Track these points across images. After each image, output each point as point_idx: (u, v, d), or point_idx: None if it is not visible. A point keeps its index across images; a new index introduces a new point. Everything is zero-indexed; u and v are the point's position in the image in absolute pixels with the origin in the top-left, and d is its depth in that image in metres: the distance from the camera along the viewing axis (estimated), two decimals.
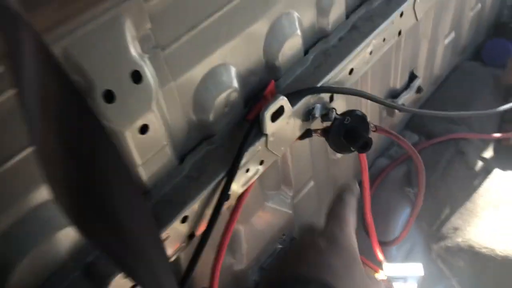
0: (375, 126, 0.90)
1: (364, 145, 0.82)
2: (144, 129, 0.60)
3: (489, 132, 1.44)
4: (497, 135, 1.41)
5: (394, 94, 1.23)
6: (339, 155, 1.13)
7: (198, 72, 0.66)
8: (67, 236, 0.59)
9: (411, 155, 0.98)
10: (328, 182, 1.15)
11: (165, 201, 0.66)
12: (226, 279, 0.95)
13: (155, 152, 0.64)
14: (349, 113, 0.83)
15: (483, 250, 1.21)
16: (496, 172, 1.36)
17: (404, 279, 0.96)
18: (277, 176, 0.95)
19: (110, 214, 0.39)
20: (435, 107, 1.45)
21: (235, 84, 0.72)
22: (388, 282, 0.98)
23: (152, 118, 0.60)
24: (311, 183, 1.07)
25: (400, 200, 1.27)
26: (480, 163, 1.38)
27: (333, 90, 0.81)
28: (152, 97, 0.59)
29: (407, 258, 1.26)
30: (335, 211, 0.75)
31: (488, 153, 1.44)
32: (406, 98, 1.23)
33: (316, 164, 1.05)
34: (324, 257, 0.62)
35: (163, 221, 0.64)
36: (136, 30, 0.55)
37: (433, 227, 1.27)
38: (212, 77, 0.68)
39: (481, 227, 1.25)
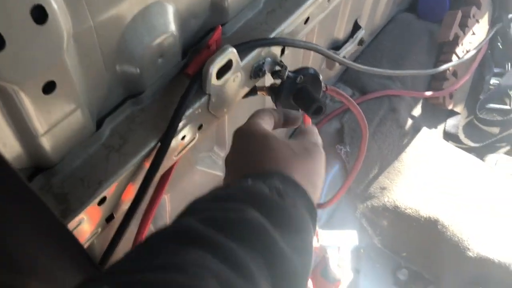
0: (326, 86, 0.79)
1: (318, 110, 0.71)
2: (48, 87, 0.43)
3: (421, 88, 1.42)
4: (429, 93, 1.38)
5: (337, 46, 1.12)
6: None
7: (126, 10, 0.49)
8: None
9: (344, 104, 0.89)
10: None
11: (76, 178, 0.51)
12: None
13: (63, 117, 0.47)
14: (302, 71, 0.71)
15: (408, 211, 1.20)
16: (424, 131, 1.35)
17: (338, 247, 0.90)
18: (211, 136, 0.82)
19: None
20: (371, 59, 1.38)
21: (172, 28, 0.56)
22: (321, 249, 0.93)
23: (60, 72, 0.43)
24: None
25: (330, 158, 1.21)
26: (410, 121, 1.35)
27: (288, 43, 0.68)
28: (61, 43, 0.41)
29: (332, 217, 1.22)
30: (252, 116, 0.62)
31: (417, 111, 1.42)
32: (348, 51, 1.13)
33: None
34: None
35: (73, 205, 0.49)
36: None
37: (361, 186, 1.24)
38: (144, 18, 0.52)
39: (407, 187, 1.24)
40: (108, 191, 0.52)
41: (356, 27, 1.17)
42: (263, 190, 0.43)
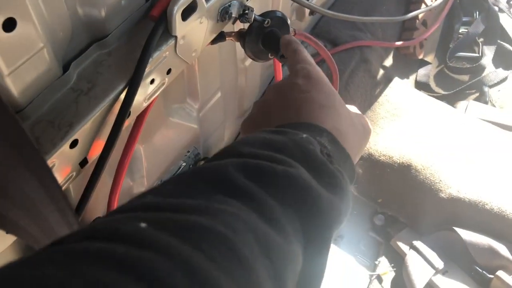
0: (294, 30, 0.80)
1: None
2: (8, 24, 0.42)
3: (391, 39, 1.43)
4: (399, 43, 1.40)
5: None
6: (247, 63, 1.02)
7: None
8: None
9: (319, 56, 0.90)
10: (235, 92, 1.05)
11: (46, 121, 0.51)
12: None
13: (28, 57, 0.47)
14: (269, 14, 0.72)
15: (381, 158, 1.23)
16: (396, 81, 1.37)
17: None
18: (182, 87, 0.82)
19: None
20: (342, 11, 1.38)
21: None
22: None
23: (20, 9, 0.43)
24: (218, 94, 0.96)
25: None
26: (381, 71, 1.37)
27: None
28: None
29: None
30: (291, 49, 0.62)
31: (389, 61, 1.43)
32: (317, 0, 1.13)
33: (224, 73, 0.94)
34: (308, 96, 0.51)
35: (46, 148, 0.50)
36: None
37: None
38: None
39: (380, 136, 1.26)
40: (80, 134, 0.52)
41: None
42: (316, 148, 0.40)
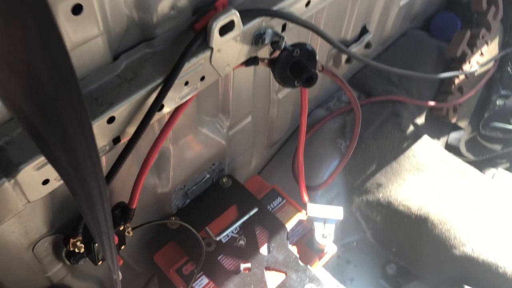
0: (322, 66, 0.89)
1: (309, 79, 0.80)
2: (77, 8, 0.54)
3: (425, 99, 1.49)
4: (431, 103, 1.46)
5: (344, 45, 1.21)
6: (280, 95, 1.11)
7: None
8: None
9: (350, 104, 0.98)
10: (265, 122, 1.14)
11: (91, 97, 0.61)
12: (148, 200, 0.92)
13: (87, 40, 0.58)
14: (300, 45, 0.81)
15: (400, 208, 1.26)
16: (425, 139, 1.41)
17: (324, 220, 0.97)
18: (216, 101, 0.91)
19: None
20: (379, 70, 1.47)
21: None
22: (309, 220, 1.00)
23: (88, 0, 0.54)
24: (249, 118, 1.05)
25: (331, 150, 1.29)
26: (411, 128, 1.42)
27: (288, 18, 0.78)
28: None
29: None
30: None
31: (420, 120, 1.48)
32: (354, 51, 1.23)
33: (256, 100, 1.03)
34: None
35: None
36: None
37: (358, 180, 1.31)
38: None
39: (402, 187, 1.30)
40: (117, 113, 0.62)
41: (363, 31, 1.27)
42: None
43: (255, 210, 1.00)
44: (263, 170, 1.32)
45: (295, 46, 0.80)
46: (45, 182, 0.59)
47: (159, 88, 0.65)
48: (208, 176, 1.03)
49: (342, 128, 1.32)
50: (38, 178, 0.58)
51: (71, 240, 0.73)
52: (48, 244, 0.76)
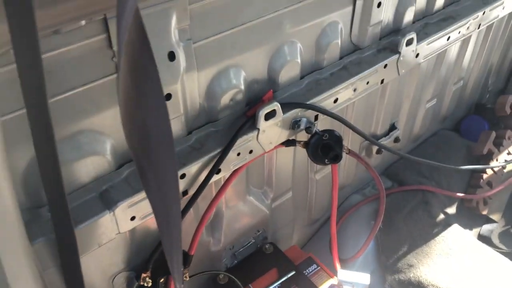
0: (349, 150, 1.10)
1: (335, 157, 1.01)
2: (168, 96, 0.80)
3: (455, 192, 1.63)
4: (460, 194, 1.59)
5: (374, 138, 1.42)
6: (317, 177, 1.31)
7: (216, 68, 0.87)
8: (93, 163, 0.78)
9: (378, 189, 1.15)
10: (304, 199, 1.33)
11: None
12: (202, 255, 1.10)
13: (173, 117, 0.83)
14: (328, 131, 1.03)
15: (430, 287, 1.36)
16: (455, 227, 1.53)
17: (352, 284, 1.11)
18: (262, 175, 1.13)
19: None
20: (410, 163, 1.65)
21: (242, 86, 0.93)
22: (339, 285, 1.14)
23: (176, 90, 0.80)
24: (289, 194, 1.25)
25: (365, 230, 1.44)
26: (442, 216, 1.55)
27: (318, 110, 1.01)
28: (180, 74, 0.79)
29: None
30: None
31: (451, 210, 1.61)
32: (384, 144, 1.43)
33: (296, 178, 1.24)
34: None
35: None
36: (178, 23, 0.76)
37: (390, 260, 1.43)
38: (225, 75, 0.89)
39: (432, 268, 1.40)
40: (187, 171, 0.85)
41: (392, 127, 1.48)
42: None
43: (292, 273, 1.16)
44: (304, 246, 1.47)
45: (324, 131, 1.02)
46: (132, 218, 0.81)
47: (218, 156, 0.89)
48: (253, 241, 1.21)
49: (375, 212, 1.47)
50: (128, 214, 0.80)
51: (142, 275, 0.93)
52: (124, 278, 0.95)
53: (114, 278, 0.94)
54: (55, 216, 0.62)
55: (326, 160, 1.03)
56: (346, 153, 1.08)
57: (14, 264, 0.51)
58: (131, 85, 0.54)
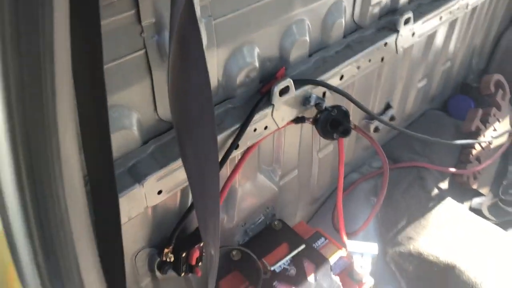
0: (355, 125, 1.14)
1: (345, 131, 1.05)
2: None
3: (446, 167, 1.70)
4: (451, 169, 1.66)
5: (371, 117, 1.47)
6: (320, 155, 1.35)
7: (232, 45, 0.90)
8: (122, 138, 0.79)
9: (380, 169, 1.19)
10: (307, 177, 1.37)
11: None
12: None
13: None
14: (336, 107, 1.07)
15: (430, 257, 1.42)
16: (449, 200, 1.60)
17: (361, 254, 1.16)
18: (271, 153, 1.16)
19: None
20: (405, 141, 1.71)
21: (256, 63, 0.96)
22: (349, 256, 1.18)
23: None
24: (295, 172, 1.29)
25: (365, 206, 1.49)
26: (436, 190, 1.61)
27: (328, 87, 1.05)
28: None
29: None
30: None
31: (444, 185, 1.68)
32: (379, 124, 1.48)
33: (301, 156, 1.27)
34: None
35: None
36: (200, 0, 0.78)
37: (390, 233, 1.48)
38: (241, 53, 0.92)
39: (430, 239, 1.46)
40: None
41: (387, 106, 1.53)
42: None
43: (302, 247, 1.20)
44: (307, 224, 1.51)
45: (333, 107, 1.06)
46: (159, 192, 0.83)
47: (237, 132, 0.91)
48: (263, 218, 1.24)
49: (374, 188, 1.53)
50: (156, 188, 0.82)
51: (165, 250, 0.95)
52: (146, 255, 0.97)
53: (136, 255, 0.95)
54: (100, 187, 0.64)
55: (335, 134, 1.07)
56: (352, 128, 1.12)
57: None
58: (180, 54, 0.58)
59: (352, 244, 1.18)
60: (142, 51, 0.75)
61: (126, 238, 0.90)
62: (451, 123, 1.84)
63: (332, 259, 1.19)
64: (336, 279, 1.14)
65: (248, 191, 1.15)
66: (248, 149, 0.99)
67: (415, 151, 1.68)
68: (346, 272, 1.17)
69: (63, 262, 0.50)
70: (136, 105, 0.79)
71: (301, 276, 1.14)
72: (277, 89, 0.95)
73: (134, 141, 0.82)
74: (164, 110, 0.84)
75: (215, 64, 0.88)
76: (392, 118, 1.54)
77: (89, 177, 0.65)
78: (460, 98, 1.91)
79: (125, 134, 0.80)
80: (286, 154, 1.20)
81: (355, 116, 1.38)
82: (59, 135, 0.44)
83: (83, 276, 0.53)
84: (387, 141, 1.69)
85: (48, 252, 0.49)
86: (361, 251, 1.17)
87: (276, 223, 1.26)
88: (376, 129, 1.48)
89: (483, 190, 1.78)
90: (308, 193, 1.42)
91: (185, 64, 0.61)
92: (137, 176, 0.80)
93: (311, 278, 1.14)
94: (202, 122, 0.66)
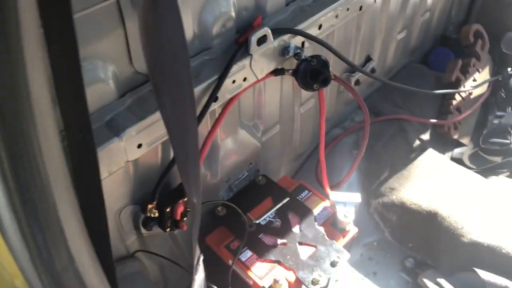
0: (334, 75, 1.13)
1: (325, 80, 1.04)
2: None
3: (427, 118, 1.71)
4: (433, 120, 1.68)
5: (352, 70, 1.47)
6: (302, 110, 1.35)
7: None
8: (97, 91, 0.78)
9: (361, 123, 1.19)
10: (289, 133, 1.37)
11: None
12: (202, 188, 1.13)
13: None
14: (316, 56, 1.06)
15: (412, 206, 1.45)
16: (430, 151, 1.62)
17: (344, 203, 1.17)
18: (252, 108, 1.15)
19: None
20: (386, 94, 1.71)
21: (232, 13, 0.93)
22: (332, 206, 1.20)
23: None
24: (277, 128, 1.28)
25: (348, 159, 1.50)
26: (417, 142, 1.63)
27: (307, 36, 1.04)
28: None
29: None
30: None
31: (425, 136, 1.70)
32: (361, 75, 1.47)
33: (283, 111, 1.27)
34: None
35: None
36: None
37: (373, 185, 1.50)
38: (216, 1, 0.90)
39: (412, 189, 1.49)
40: None
41: (368, 59, 1.53)
42: None
43: (287, 199, 1.21)
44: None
45: (312, 57, 1.05)
46: (139, 146, 0.82)
47: (215, 83, 0.90)
48: (246, 173, 1.25)
49: (356, 142, 1.54)
50: (135, 141, 0.81)
51: (149, 206, 0.95)
52: (129, 212, 0.97)
53: (120, 213, 0.95)
54: (78, 141, 0.63)
55: (315, 85, 1.07)
56: (332, 78, 1.11)
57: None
58: (152, 2, 0.56)
59: (335, 194, 1.20)
60: (114, 0, 0.72)
61: (108, 195, 0.90)
62: (431, 75, 1.84)
63: (316, 210, 1.20)
64: (321, 229, 1.16)
65: (230, 146, 1.14)
66: (228, 102, 0.98)
67: (396, 104, 1.68)
68: (330, 222, 1.19)
69: (41, 208, 0.49)
70: (110, 57, 0.77)
71: (286, 227, 1.15)
72: (254, 38, 0.93)
73: (111, 94, 0.81)
74: (140, 63, 0.82)
75: (189, 14, 0.86)
76: (373, 71, 1.53)
77: (65, 131, 0.63)
78: (440, 50, 1.91)
79: (101, 87, 0.78)
80: (267, 109, 1.20)
81: (336, 69, 1.37)
82: (31, 88, 0.44)
83: (63, 224, 0.53)
84: (368, 95, 1.70)
85: (25, 200, 0.48)
86: (344, 200, 1.18)
87: (260, 178, 1.26)
88: (357, 82, 1.47)
89: (464, 140, 1.80)
90: (291, 149, 1.42)
91: (157, 13, 0.59)
92: (115, 130, 0.79)
93: (296, 229, 1.15)
94: (177, 72, 0.64)
